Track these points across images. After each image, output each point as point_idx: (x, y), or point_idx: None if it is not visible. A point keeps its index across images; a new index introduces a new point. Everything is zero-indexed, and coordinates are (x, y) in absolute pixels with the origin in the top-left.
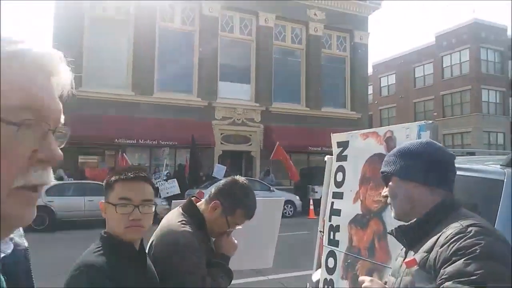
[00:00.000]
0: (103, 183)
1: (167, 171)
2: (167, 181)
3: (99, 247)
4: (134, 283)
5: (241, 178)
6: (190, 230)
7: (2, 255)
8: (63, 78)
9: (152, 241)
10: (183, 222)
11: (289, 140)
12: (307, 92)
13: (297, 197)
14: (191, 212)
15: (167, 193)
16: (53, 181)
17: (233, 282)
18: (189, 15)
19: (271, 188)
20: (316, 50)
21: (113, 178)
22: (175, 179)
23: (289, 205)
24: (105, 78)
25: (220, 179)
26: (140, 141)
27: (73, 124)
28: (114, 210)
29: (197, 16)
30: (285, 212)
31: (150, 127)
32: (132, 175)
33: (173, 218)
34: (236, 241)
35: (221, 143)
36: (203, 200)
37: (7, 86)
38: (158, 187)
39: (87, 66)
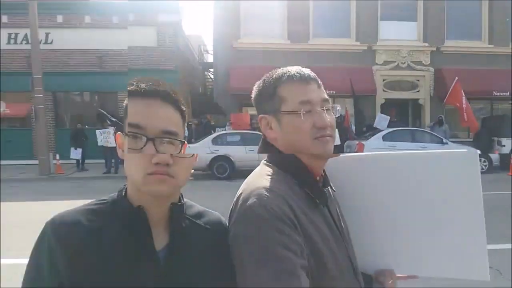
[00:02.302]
0: None
1: None
2: None
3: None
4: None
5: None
6: (274, 185)
7: None
8: None
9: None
10: (268, 174)
11: (467, 84)
12: (490, 25)
13: (478, 152)
14: (269, 152)
15: None
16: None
17: None
18: None
19: (444, 141)
20: None
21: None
22: (336, 129)
23: (482, 159)
24: (261, 28)
25: (383, 130)
26: None
27: (232, 76)
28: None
29: None
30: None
31: None
32: (144, 88)
33: (258, 170)
34: None
35: (384, 90)
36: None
37: None
38: None
39: (244, 18)
